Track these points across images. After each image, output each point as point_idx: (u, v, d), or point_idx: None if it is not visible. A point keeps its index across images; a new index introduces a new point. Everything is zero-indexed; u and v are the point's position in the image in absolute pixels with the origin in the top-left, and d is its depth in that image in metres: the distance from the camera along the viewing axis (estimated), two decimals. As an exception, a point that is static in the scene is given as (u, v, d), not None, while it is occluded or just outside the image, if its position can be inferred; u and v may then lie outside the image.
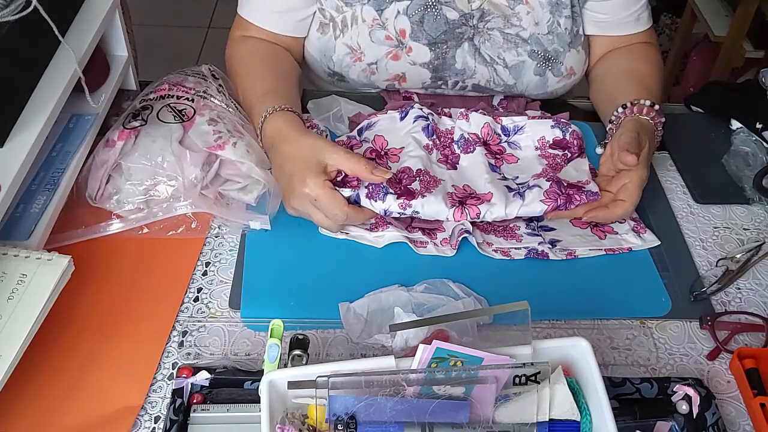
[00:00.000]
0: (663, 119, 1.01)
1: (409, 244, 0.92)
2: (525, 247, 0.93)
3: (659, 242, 0.95)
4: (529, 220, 0.97)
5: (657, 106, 1.00)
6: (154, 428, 0.75)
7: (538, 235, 0.94)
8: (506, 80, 1.09)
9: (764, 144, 1.08)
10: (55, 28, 0.84)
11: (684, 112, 1.18)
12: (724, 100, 1.16)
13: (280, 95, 0.99)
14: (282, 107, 0.96)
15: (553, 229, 0.96)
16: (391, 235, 0.93)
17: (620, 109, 1.01)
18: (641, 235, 0.96)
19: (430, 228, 0.95)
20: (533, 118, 1.06)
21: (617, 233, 0.96)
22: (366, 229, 0.94)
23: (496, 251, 0.93)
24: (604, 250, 0.94)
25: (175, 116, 0.96)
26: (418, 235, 0.94)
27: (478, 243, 0.92)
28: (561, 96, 1.17)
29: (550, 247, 0.93)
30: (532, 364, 0.65)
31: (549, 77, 1.09)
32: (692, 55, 2.37)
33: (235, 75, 1.07)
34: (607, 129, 1.03)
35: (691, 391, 0.74)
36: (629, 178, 0.93)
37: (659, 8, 2.44)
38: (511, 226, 0.96)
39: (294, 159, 0.90)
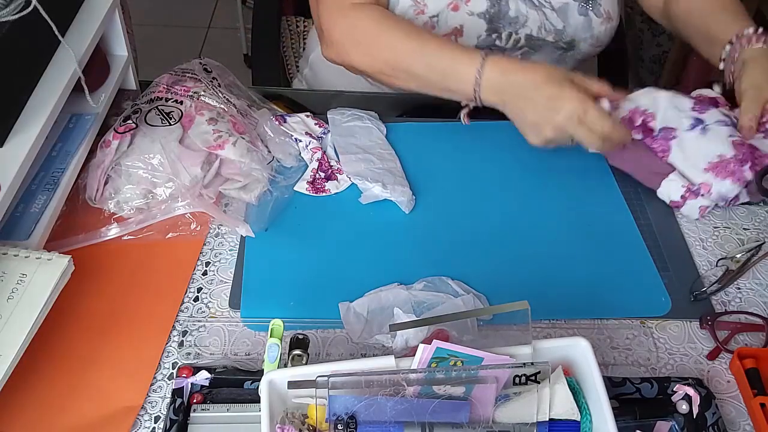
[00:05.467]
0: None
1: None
2: None
3: None
4: None
5: (760, 29, 1.02)
6: (154, 428, 0.75)
7: None
8: (555, 24, 1.13)
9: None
10: (54, 28, 0.84)
11: (684, 112, 1.18)
12: (724, 100, 1.16)
13: (454, 44, 1.03)
14: (485, 51, 0.97)
15: None
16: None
17: (728, 47, 1.04)
18: None
19: None
20: None
21: None
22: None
23: None
24: None
25: (162, 119, 0.97)
26: None
27: None
28: (606, 46, 1.19)
29: None
30: (532, 363, 0.65)
31: (592, 18, 1.13)
32: (692, 55, 2.37)
33: (374, 36, 1.02)
34: (722, 68, 1.06)
35: (691, 391, 0.74)
36: None
37: (659, 8, 2.44)
38: None
39: (544, 84, 0.92)
